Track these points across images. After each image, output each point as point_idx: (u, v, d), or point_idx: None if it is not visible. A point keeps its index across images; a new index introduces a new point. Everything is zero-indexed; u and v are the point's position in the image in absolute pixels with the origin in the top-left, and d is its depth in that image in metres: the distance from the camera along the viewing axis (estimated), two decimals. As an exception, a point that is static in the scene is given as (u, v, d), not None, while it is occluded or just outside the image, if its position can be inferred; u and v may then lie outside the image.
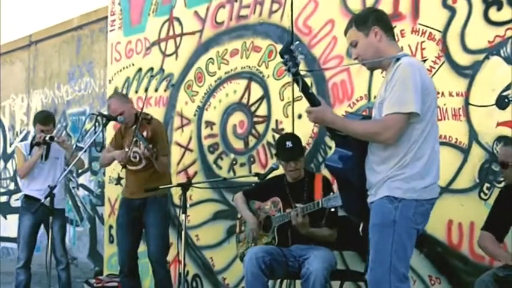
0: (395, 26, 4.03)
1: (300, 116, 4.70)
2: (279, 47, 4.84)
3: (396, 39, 2.93)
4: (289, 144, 3.97)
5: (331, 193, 3.65)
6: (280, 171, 4.09)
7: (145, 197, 4.42)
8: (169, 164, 4.94)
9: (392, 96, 2.63)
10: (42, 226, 5.22)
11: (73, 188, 7.85)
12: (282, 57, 2.72)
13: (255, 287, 3.65)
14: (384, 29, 2.81)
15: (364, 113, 4.15)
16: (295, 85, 4.69)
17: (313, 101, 2.76)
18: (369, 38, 2.80)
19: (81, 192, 7.77)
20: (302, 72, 2.72)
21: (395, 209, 2.63)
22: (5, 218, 9.39)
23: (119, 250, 4.64)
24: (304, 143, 4.29)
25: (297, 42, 2.73)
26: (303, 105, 4.64)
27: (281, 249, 3.81)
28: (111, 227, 6.33)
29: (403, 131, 2.63)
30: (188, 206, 4.08)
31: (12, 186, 9.33)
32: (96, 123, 4.30)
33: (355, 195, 2.83)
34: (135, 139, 4.19)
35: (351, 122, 2.81)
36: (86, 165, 7.01)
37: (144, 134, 4.22)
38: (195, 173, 5.54)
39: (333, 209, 3.61)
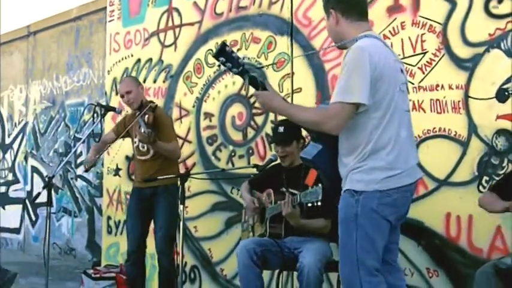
0: (395, 18, 4.09)
1: (299, 108, 4.68)
2: (279, 38, 4.87)
3: (368, 19, 2.77)
4: (281, 129, 3.97)
5: (310, 187, 3.53)
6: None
7: (156, 186, 4.44)
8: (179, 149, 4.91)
9: (338, 83, 2.52)
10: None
11: (71, 178, 7.84)
12: (216, 59, 2.67)
13: (247, 277, 3.65)
14: (342, 11, 2.68)
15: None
16: (294, 77, 4.73)
17: None
18: (329, 21, 2.74)
19: (79, 183, 7.77)
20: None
21: (357, 202, 2.53)
22: (4, 208, 9.39)
23: (128, 238, 4.65)
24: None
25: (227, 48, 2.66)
26: (302, 97, 4.67)
27: (275, 241, 3.80)
28: (109, 217, 6.33)
29: (351, 121, 2.51)
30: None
31: (10, 177, 9.32)
32: (95, 114, 4.31)
33: (332, 186, 2.75)
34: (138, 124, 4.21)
35: (297, 109, 2.73)
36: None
37: (146, 118, 4.29)
38: (194, 164, 5.54)
39: (309, 204, 3.49)
